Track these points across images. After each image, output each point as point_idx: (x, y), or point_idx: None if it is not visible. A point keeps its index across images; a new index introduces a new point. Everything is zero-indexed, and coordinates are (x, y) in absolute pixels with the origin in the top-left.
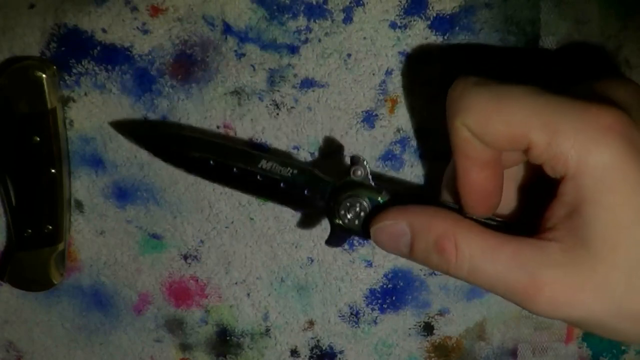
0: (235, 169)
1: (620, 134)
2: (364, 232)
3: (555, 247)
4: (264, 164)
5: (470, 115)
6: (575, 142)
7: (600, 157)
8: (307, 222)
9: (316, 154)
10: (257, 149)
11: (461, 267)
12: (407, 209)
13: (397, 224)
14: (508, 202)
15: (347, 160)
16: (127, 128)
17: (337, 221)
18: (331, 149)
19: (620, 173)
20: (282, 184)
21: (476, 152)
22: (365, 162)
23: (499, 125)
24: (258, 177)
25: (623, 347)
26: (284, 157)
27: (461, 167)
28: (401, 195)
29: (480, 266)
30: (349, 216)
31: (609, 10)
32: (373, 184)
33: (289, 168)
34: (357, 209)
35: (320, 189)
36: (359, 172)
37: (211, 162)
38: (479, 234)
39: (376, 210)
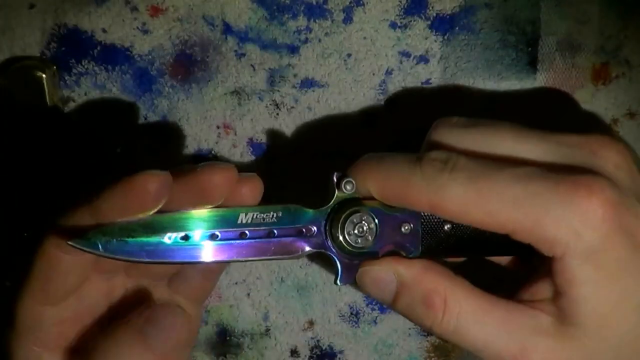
0: (215, 237)
1: (607, 216)
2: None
3: (545, 318)
4: (242, 218)
5: (448, 206)
6: (560, 229)
7: (587, 242)
8: None
9: (316, 153)
10: (256, 150)
11: (447, 325)
12: (395, 258)
13: (384, 271)
14: None
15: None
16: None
17: (345, 247)
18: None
19: (608, 254)
20: (274, 232)
21: None
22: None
23: (479, 215)
24: (244, 236)
25: None
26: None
27: None
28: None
29: (468, 327)
30: (357, 234)
31: (609, 10)
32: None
33: (271, 212)
34: (365, 226)
35: (317, 220)
36: (349, 187)
37: (180, 238)
38: (470, 293)
39: (386, 220)
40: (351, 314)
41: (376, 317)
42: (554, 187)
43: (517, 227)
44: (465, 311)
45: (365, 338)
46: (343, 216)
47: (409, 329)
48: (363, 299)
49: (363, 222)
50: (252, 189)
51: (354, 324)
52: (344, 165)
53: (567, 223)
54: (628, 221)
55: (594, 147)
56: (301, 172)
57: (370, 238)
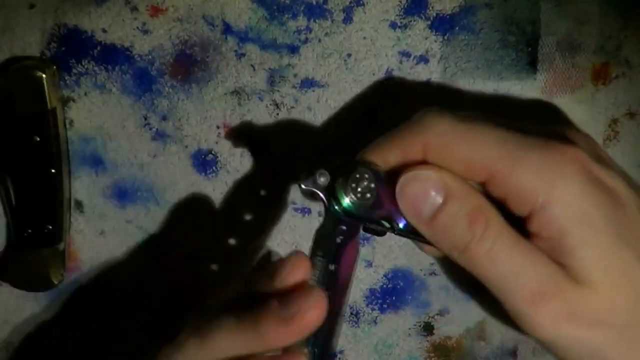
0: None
1: (582, 165)
2: (378, 205)
3: (560, 269)
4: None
5: (433, 138)
6: (540, 171)
7: (568, 186)
8: (306, 222)
9: (316, 153)
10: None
11: (483, 245)
12: (445, 170)
13: (434, 179)
14: None
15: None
16: None
17: (344, 202)
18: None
19: (591, 200)
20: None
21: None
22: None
23: (460, 152)
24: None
25: None
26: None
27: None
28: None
29: (500, 253)
30: (359, 190)
31: (609, 10)
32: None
33: None
34: (365, 182)
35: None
36: (322, 179)
37: None
38: (506, 222)
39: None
40: (351, 314)
41: (376, 317)
42: (534, 139)
43: (497, 170)
44: (503, 236)
45: (365, 338)
46: (342, 177)
47: (409, 329)
48: (363, 299)
49: (365, 178)
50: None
51: (354, 324)
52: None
53: (545, 169)
54: (601, 176)
55: (564, 133)
56: (301, 172)
57: (369, 196)
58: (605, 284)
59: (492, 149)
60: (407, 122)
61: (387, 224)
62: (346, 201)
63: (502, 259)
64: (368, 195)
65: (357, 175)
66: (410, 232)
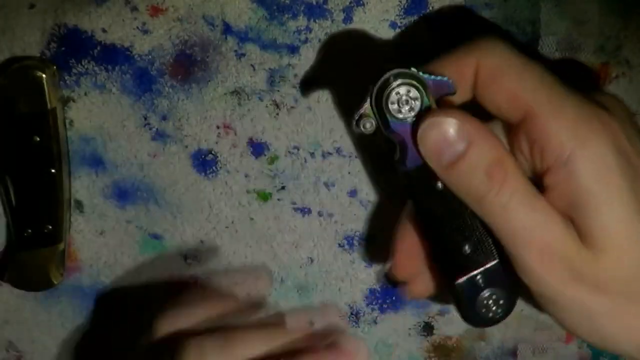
0: None
1: (614, 133)
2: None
3: (572, 227)
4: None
5: (487, 62)
6: (575, 126)
7: (597, 148)
8: (306, 222)
9: (316, 154)
10: (257, 148)
11: (499, 199)
12: (471, 118)
13: (458, 126)
14: None
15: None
16: None
17: (383, 109)
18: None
19: (616, 168)
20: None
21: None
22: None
23: (509, 82)
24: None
25: None
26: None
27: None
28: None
29: (516, 206)
30: (399, 107)
31: (609, 10)
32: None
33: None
34: (410, 101)
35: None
36: (368, 125)
37: None
38: (525, 177)
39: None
40: (351, 314)
41: (376, 317)
42: (579, 96)
43: (537, 112)
44: (519, 191)
45: (365, 338)
46: (392, 85)
47: (409, 329)
48: (363, 299)
49: (410, 94)
50: None
51: (354, 324)
52: (341, 164)
53: (582, 127)
54: (629, 149)
55: (608, 100)
56: (301, 172)
57: (411, 115)
58: (612, 250)
59: (539, 90)
60: (467, 43)
61: (398, 155)
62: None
63: (516, 215)
64: (410, 113)
65: (408, 89)
66: (411, 177)
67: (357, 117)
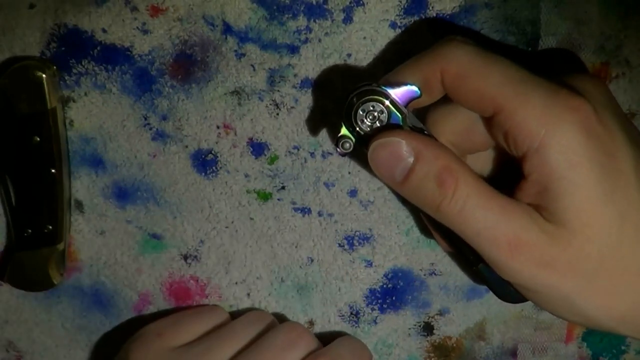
0: None
1: (584, 117)
2: (361, 142)
3: (536, 214)
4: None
5: (451, 66)
6: (543, 114)
7: (566, 133)
8: (306, 222)
9: (316, 154)
10: (257, 148)
11: (454, 205)
12: (414, 133)
13: (402, 144)
14: None
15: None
16: None
17: (354, 128)
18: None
19: (585, 151)
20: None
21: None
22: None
23: (474, 83)
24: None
25: (623, 347)
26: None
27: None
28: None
29: (472, 209)
30: (366, 122)
31: (609, 10)
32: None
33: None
34: (375, 114)
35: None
36: (347, 145)
37: None
38: (477, 179)
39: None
40: (351, 314)
41: (376, 317)
42: (545, 84)
43: (504, 106)
44: (473, 195)
45: (365, 338)
46: (362, 98)
47: (409, 329)
48: (363, 299)
49: (376, 111)
50: None
51: (354, 324)
52: (341, 164)
53: (548, 113)
54: (600, 130)
55: (577, 81)
56: (301, 172)
57: (370, 131)
58: (582, 230)
59: (503, 85)
60: (430, 48)
61: None
62: (358, 129)
63: (475, 217)
64: (377, 124)
65: (371, 105)
66: None
67: (336, 140)
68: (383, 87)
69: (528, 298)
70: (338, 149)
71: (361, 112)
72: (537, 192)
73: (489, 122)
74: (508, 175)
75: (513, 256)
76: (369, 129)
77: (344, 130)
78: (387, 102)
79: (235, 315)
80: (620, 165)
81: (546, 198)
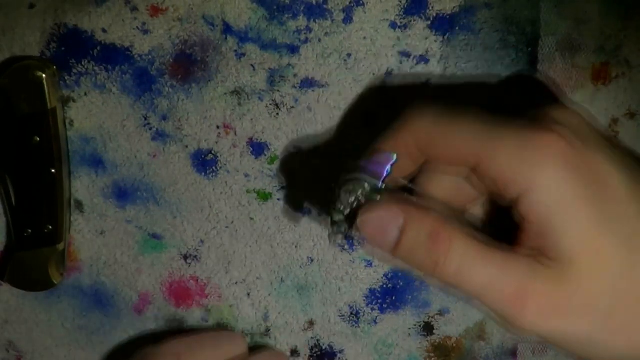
0: None
1: (559, 152)
2: (351, 224)
3: (537, 264)
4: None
5: (419, 136)
6: (518, 158)
7: (544, 173)
8: (306, 222)
9: (316, 154)
10: (257, 148)
11: (450, 266)
12: (402, 200)
13: (390, 212)
14: None
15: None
16: None
17: (335, 216)
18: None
19: (569, 186)
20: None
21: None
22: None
23: (445, 145)
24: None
25: None
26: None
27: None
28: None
29: (470, 269)
30: (351, 201)
31: (609, 10)
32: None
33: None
34: (358, 194)
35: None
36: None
37: None
38: (471, 236)
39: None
40: (351, 313)
41: (376, 317)
42: (514, 126)
43: (480, 159)
44: (468, 253)
45: (365, 338)
46: (343, 181)
47: (409, 328)
48: (363, 299)
49: (357, 191)
50: None
51: (354, 323)
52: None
53: (524, 154)
54: (582, 158)
55: (549, 114)
56: (301, 172)
57: (348, 212)
58: (588, 269)
59: (473, 139)
60: (395, 122)
61: None
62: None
63: (473, 274)
64: (362, 199)
65: (351, 186)
66: None
67: (329, 238)
68: (360, 163)
69: (554, 347)
70: (333, 245)
71: (344, 194)
72: (536, 235)
73: (475, 173)
74: (510, 221)
75: (519, 309)
76: (355, 206)
77: (334, 217)
78: (365, 181)
79: (252, 347)
80: (611, 191)
81: (546, 241)
